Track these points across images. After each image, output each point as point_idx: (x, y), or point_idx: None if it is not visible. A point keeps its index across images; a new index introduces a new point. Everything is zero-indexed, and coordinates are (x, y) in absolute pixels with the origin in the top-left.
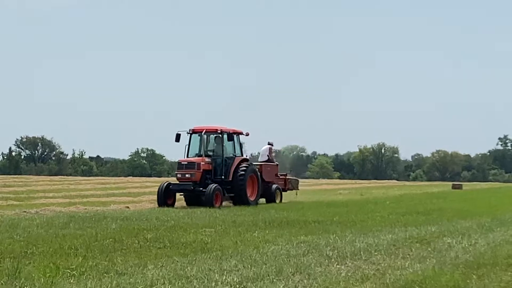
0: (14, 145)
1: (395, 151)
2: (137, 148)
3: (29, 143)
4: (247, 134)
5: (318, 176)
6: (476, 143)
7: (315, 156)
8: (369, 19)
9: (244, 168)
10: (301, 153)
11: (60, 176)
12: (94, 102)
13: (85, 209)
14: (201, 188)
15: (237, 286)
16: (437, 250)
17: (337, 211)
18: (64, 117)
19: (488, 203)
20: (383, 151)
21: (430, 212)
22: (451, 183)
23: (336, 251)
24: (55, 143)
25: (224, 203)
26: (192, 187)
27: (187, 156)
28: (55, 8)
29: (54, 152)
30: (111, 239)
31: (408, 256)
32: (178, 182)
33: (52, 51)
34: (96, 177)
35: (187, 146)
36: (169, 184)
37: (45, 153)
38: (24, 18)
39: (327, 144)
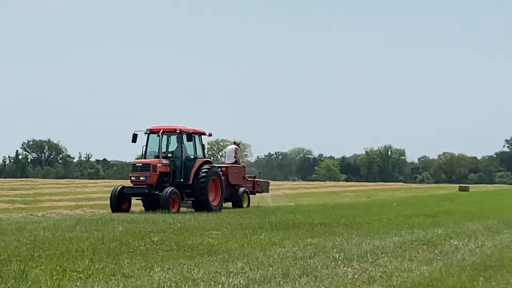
0: (21, 148)
1: (401, 153)
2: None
3: (36, 146)
4: (210, 135)
5: (324, 178)
6: (483, 145)
7: (322, 159)
8: (373, 20)
9: (206, 170)
10: (308, 156)
11: (66, 179)
12: (101, 105)
13: (92, 212)
14: (157, 192)
15: None
16: (444, 252)
17: (344, 213)
18: (70, 120)
19: (495, 205)
20: (389, 153)
21: (436, 214)
22: (457, 185)
23: (342, 253)
24: (61, 146)
25: (184, 208)
26: (147, 191)
27: (145, 158)
28: (56, 11)
29: (60, 155)
30: (117, 242)
31: (414, 258)
32: (132, 185)
33: (58, 53)
34: (103, 180)
35: (144, 147)
36: (123, 187)
37: (52, 156)
38: (27, 20)
39: (333, 147)
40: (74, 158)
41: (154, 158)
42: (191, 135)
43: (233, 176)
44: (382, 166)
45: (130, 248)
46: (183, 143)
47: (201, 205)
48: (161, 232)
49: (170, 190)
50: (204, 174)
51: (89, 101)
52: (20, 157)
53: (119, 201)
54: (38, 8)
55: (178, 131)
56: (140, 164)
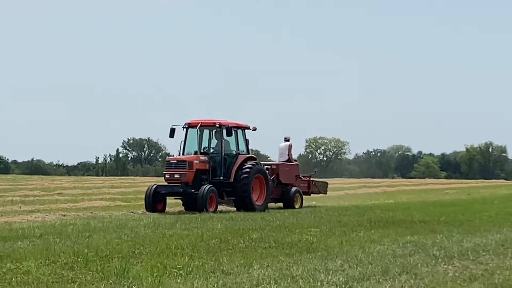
0: (121, 146)
1: (503, 150)
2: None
3: (136, 144)
4: (254, 129)
5: (424, 176)
6: None
7: (421, 156)
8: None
9: (249, 167)
10: (407, 153)
11: None
12: (199, 102)
13: None
14: (193, 190)
15: (343, 286)
16: None
17: (444, 211)
18: (169, 118)
19: None
20: (490, 150)
21: None
22: None
23: (443, 251)
24: (161, 144)
25: (224, 208)
26: (182, 189)
27: (183, 154)
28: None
29: (160, 153)
30: (217, 239)
31: None
32: (166, 183)
33: (161, 52)
34: None
35: (182, 142)
36: (158, 186)
37: (151, 154)
38: (118, 17)
39: (433, 144)
40: (173, 156)
41: (193, 154)
42: (231, 130)
43: (285, 175)
44: (483, 163)
45: (229, 245)
46: (223, 138)
47: (244, 205)
48: (260, 229)
49: (207, 188)
50: (246, 171)
51: (187, 99)
52: (120, 155)
53: (154, 201)
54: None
55: (217, 125)
56: (175, 161)
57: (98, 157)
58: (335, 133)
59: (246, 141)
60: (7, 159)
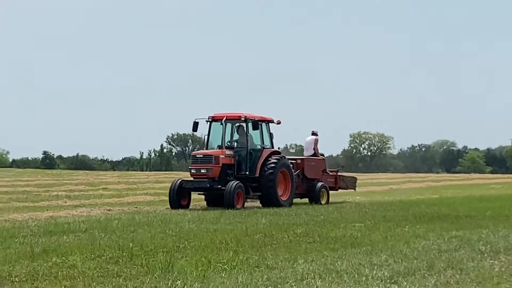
0: (165, 142)
1: None
2: (286, 144)
3: (180, 140)
4: (279, 123)
5: (469, 170)
6: None
7: (466, 151)
8: None
9: (274, 162)
10: (452, 148)
11: None
12: (241, 98)
13: None
14: (219, 186)
15: (388, 281)
16: None
17: (490, 205)
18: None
19: None
20: None
21: None
22: None
23: (489, 246)
24: (205, 140)
25: (249, 204)
26: (208, 185)
27: (207, 148)
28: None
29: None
30: (261, 234)
31: None
32: (192, 179)
33: (197, 47)
34: None
35: (206, 137)
36: (182, 181)
37: (195, 149)
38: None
39: (478, 138)
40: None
41: (217, 149)
42: (257, 123)
43: (310, 170)
44: None
45: (273, 240)
46: (248, 132)
47: (269, 200)
48: (304, 224)
49: (235, 184)
50: (272, 166)
51: (231, 94)
52: (164, 150)
53: (179, 196)
54: None
55: (242, 119)
56: (201, 156)
57: (143, 152)
58: (379, 128)
59: (271, 135)
60: (53, 154)
